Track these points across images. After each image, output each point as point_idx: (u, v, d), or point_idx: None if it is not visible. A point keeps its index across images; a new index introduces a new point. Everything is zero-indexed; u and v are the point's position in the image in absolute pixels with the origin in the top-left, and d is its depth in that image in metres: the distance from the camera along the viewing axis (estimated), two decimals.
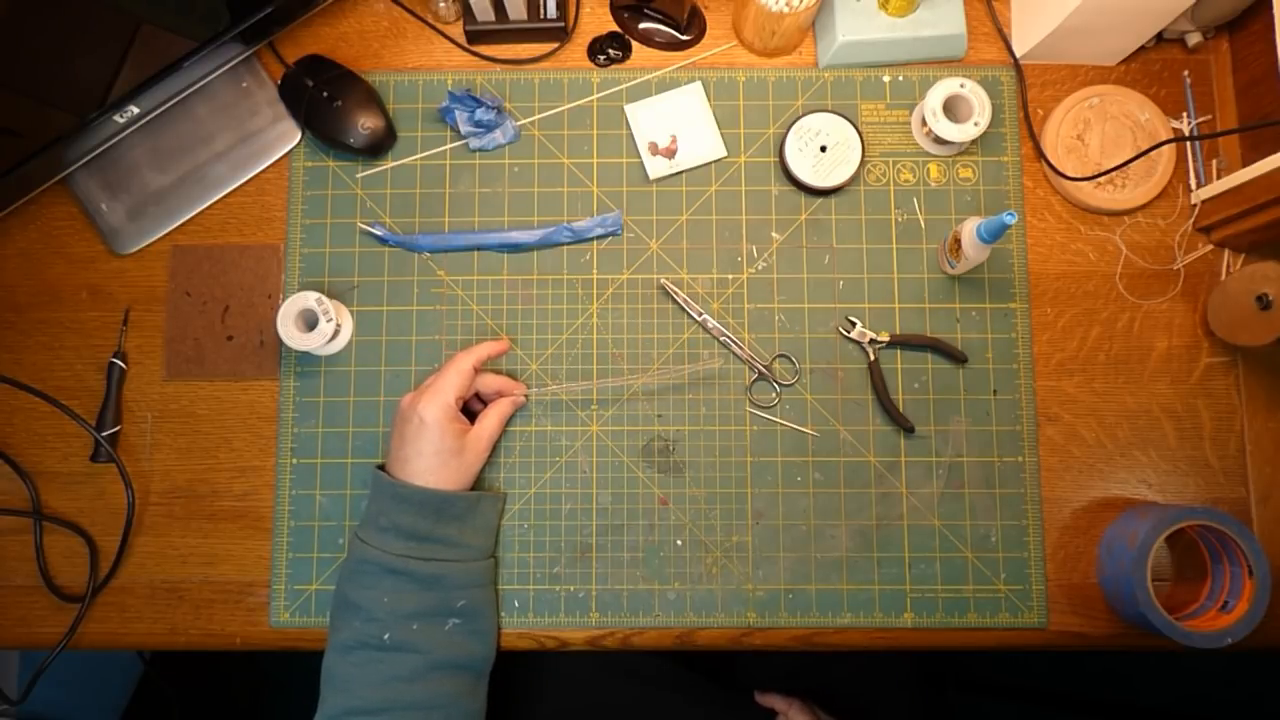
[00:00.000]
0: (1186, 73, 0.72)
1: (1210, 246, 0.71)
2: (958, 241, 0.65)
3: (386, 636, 0.59)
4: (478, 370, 0.65)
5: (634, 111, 0.72)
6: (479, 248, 0.71)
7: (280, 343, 0.69)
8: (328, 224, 0.72)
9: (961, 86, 0.67)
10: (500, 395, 0.67)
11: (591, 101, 0.73)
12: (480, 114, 0.70)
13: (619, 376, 0.70)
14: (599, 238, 0.71)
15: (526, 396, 0.69)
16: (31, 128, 0.63)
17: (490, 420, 0.66)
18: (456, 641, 0.61)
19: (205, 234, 0.72)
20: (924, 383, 0.69)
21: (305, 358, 0.70)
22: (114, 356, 0.70)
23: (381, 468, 0.65)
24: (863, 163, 0.71)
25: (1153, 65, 0.73)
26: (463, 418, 0.64)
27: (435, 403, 0.62)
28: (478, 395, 0.68)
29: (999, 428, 0.69)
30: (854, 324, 0.69)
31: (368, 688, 0.58)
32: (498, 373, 0.69)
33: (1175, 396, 0.70)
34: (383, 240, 0.71)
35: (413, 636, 0.59)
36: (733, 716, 0.80)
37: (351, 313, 0.71)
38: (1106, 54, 0.72)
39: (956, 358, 0.69)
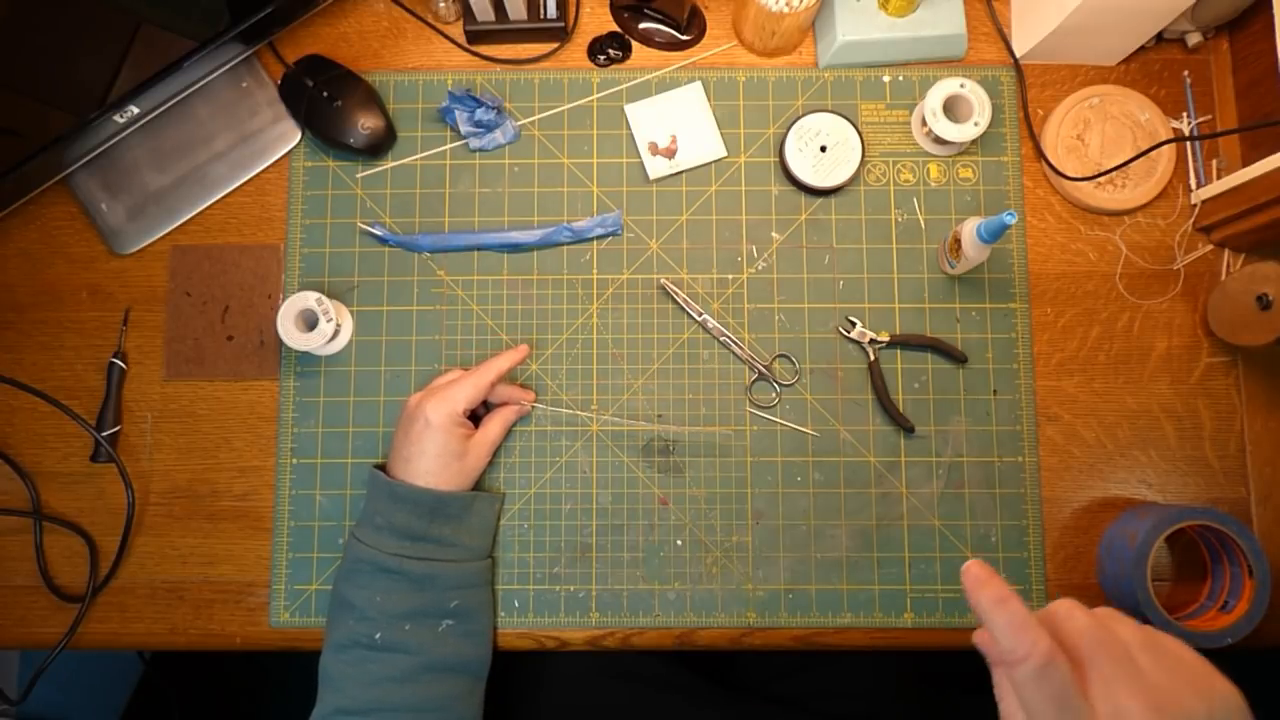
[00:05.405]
0: (1186, 73, 0.72)
1: (1210, 246, 0.71)
2: (958, 241, 0.65)
3: (378, 636, 0.59)
4: (494, 385, 0.65)
5: (634, 111, 0.72)
6: (479, 248, 0.71)
7: (280, 343, 0.69)
8: (328, 224, 0.72)
9: (961, 86, 0.67)
10: (507, 403, 0.67)
11: (591, 101, 0.73)
12: (480, 114, 0.70)
13: (619, 392, 0.70)
14: (599, 238, 0.71)
15: (534, 406, 0.69)
16: (31, 128, 0.63)
17: (494, 427, 0.66)
18: (450, 643, 0.61)
19: (205, 234, 0.72)
20: (924, 383, 0.69)
21: (305, 358, 0.70)
22: (114, 356, 0.70)
23: (381, 467, 0.65)
24: (863, 163, 0.71)
25: (1153, 65, 0.73)
26: (467, 423, 0.64)
27: (443, 408, 0.62)
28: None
29: (999, 428, 0.69)
30: (854, 324, 0.69)
31: (358, 687, 0.58)
32: (509, 381, 0.69)
33: (1175, 396, 0.70)
34: (383, 240, 0.71)
35: (404, 637, 0.59)
36: (732, 717, 0.80)
37: (351, 313, 0.71)
38: (1106, 54, 0.72)
39: (956, 358, 0.69)
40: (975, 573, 0.37)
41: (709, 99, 0.73)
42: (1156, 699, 0.34)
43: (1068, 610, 0.38)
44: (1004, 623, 0.35)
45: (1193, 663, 0.36)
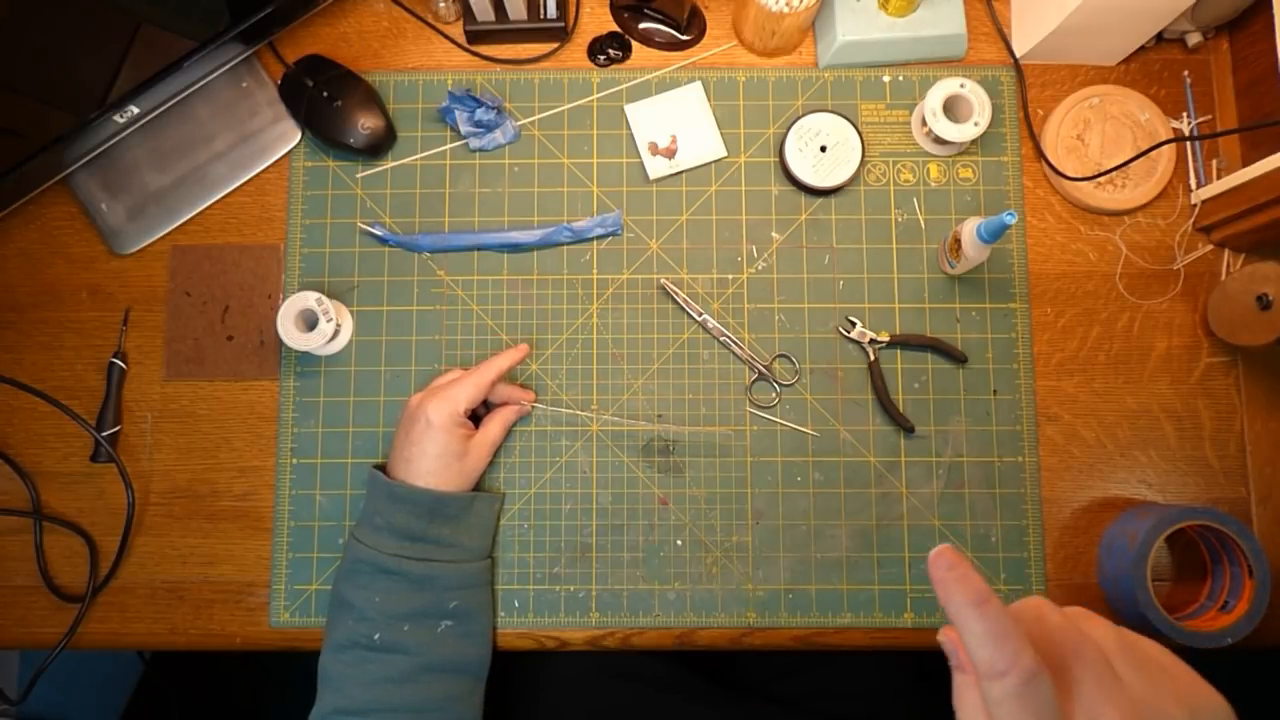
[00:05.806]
0: (1186, 73, 0.72)
1: (1210, 246, 0.71)
2: (958, 241, 0.65)
3: (377, 636, 0.59)
4: (494, 384, 0.65)
5: (634, 111, 0.72)
6: (479, 248, 0.71)
7: (280, 343, 0.69)
8: (328, 224, 0.72)
9: (961, 86, 0.67)
10: (507, 403, 0.67)
11: (591, 101, 0.73)
12: (480, 114, 0.70)
13: (619, 392, 0.70)
14: (599, 238, 0.71)
15: (534, 406, 0.69)
16: (31, 128, 0.63)
17: (494, 427, 0.66)
18: (449, 644, 0.61)
19: (205, 234, 0.72)
20: (924, 383, 0.69)
21: (305, 358, 0.70)
22: (114, 356, 0.70)
23: (380, 467, 0.65)
24: (863, 163, 0.71)
25: (1153, 65, 0.73)
26: (468, 423, 0.64)
27: (444, 408, 0.62)
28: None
29: (999, 428, 0.69)
30: (854, 324, 0.69)
31: (357, 687, 0.58)
32: (509, 381, 0.69)
33: (1175, 396, 0.70)
34: (383, 240, 0.71)
35: (403, 637, 0.59)
36: (732, 717, 0.80)
37: (351, 313, 0.71)
38: (1106, 54, 0.72)
39: (956, 358, 0.69)
40: (948, 559, 0.32)
41: (709, 99, 0.73)
42: (1140, 713, 0.30)
43: (1036, 610, 0.33)
44: (983, 631, 0.30)
45: (1175, 669, 0.32)
